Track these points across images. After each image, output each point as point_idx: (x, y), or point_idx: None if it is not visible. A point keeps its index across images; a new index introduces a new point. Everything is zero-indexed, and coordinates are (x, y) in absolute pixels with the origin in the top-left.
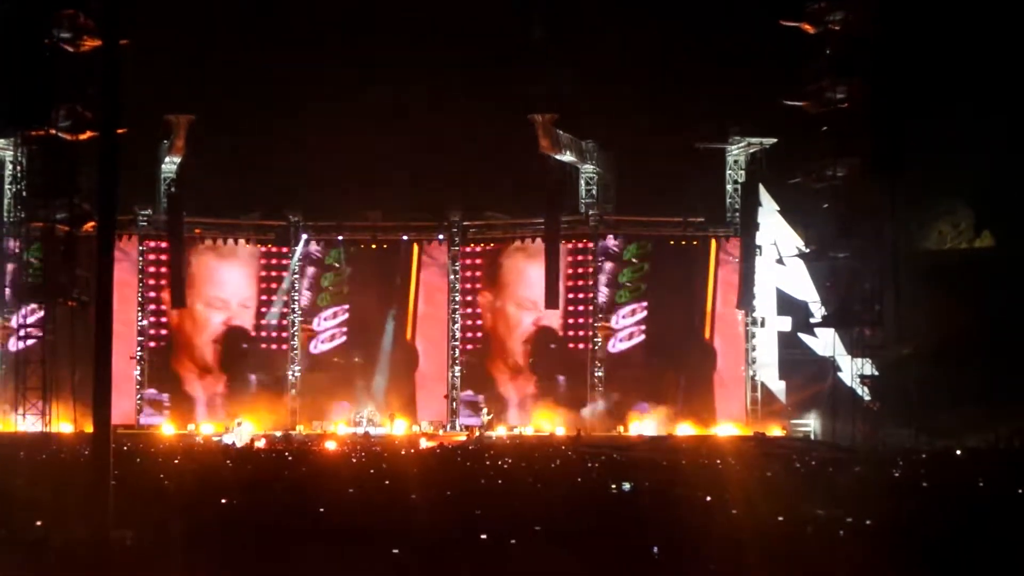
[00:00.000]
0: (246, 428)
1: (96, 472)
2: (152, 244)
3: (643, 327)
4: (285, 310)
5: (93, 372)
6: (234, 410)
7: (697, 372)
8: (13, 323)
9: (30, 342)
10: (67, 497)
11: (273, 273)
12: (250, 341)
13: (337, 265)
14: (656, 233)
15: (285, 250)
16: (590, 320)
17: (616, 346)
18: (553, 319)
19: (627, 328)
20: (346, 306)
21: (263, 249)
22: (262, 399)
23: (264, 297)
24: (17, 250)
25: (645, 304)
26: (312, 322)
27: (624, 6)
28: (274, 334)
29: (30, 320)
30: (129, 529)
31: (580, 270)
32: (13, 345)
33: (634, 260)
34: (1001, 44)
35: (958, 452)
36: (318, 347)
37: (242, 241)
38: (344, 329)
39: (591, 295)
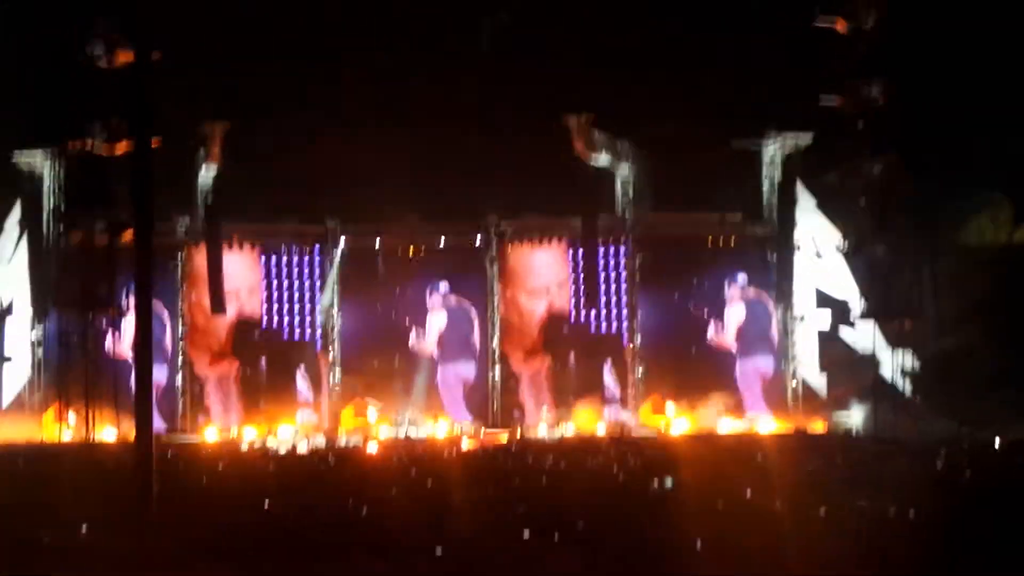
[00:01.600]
0: (290, 430)
1: (138, 480)
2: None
3: None
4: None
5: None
6: (276, 414)
7: None
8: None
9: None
10: (109, 505)
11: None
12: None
13: None
14: (694, 231)
15: None
16: (624, 318)
17: None
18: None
19: None
20: None
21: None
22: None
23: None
24: (56, 261)
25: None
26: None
27: (657, 4)
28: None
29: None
30: (172, 536)
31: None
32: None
33: None
34: None
35: (998, 443)
36: None
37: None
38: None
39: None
